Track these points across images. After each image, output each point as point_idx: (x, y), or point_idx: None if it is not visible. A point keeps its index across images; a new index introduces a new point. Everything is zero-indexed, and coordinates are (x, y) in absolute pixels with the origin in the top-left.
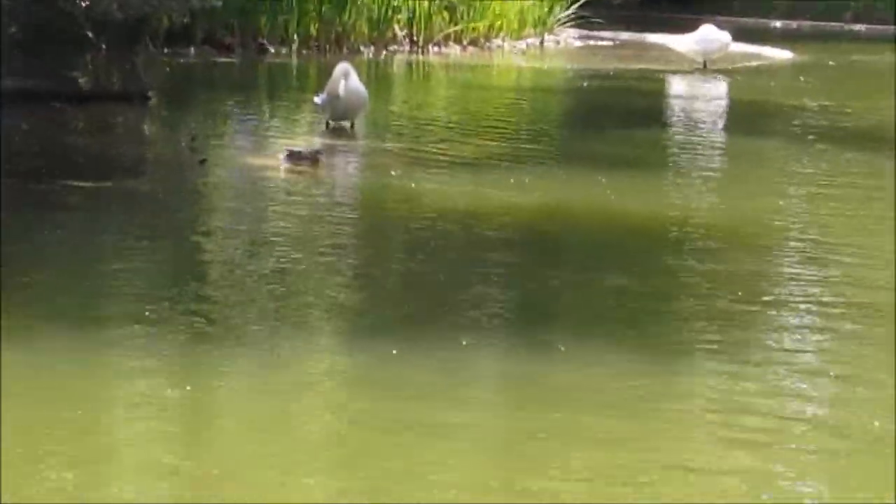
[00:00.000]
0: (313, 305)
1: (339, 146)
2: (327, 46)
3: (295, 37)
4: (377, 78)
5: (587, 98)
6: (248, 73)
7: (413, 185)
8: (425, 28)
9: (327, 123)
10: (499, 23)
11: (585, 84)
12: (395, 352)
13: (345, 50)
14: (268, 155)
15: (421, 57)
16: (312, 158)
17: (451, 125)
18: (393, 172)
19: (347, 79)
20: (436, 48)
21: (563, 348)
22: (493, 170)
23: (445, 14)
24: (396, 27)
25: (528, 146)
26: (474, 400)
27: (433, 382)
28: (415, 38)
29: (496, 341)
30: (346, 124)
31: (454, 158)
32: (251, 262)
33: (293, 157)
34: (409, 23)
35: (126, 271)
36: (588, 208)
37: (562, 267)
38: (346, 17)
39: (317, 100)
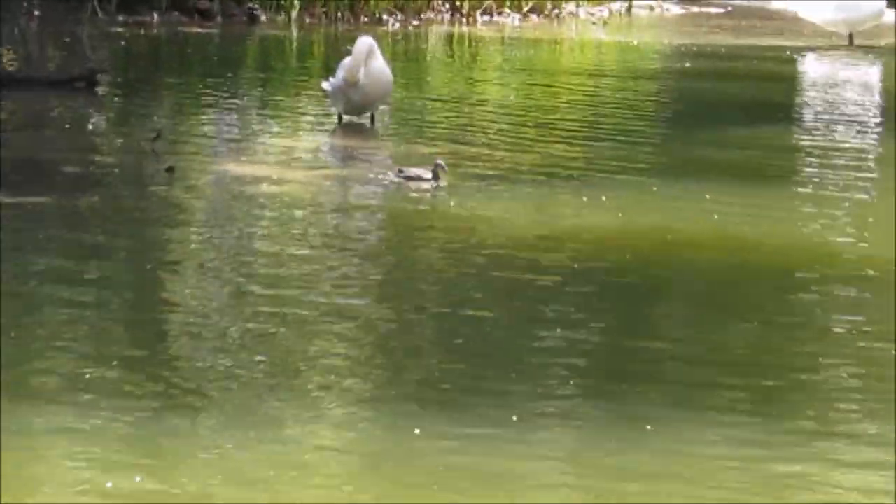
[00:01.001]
0: (313, 368)
1: (359, 150)
2: (338, 14)
3: (295, 1)
4: (406, 57)
5: (690, 85)
6: (232, 48)
7: (453, 203)
8: None
9: (339, 117)
10: None
11: (688, 65)
12: (417, 431)
13: (362, 19)
14: (257, 161)
15: (465, 28)
16: (435, 175)
17: (506, 123)
18: (428, 187)
19: (370, 59)
20: (485, 16)
21: (648, 427)
22: (562, 184)
23: None
24: None
25: (609, 152)
26: None
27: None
28: (457, 3)
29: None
30: (365, 118)
31: (511, 168)
32: (232, 311)
33: (411, 178)
34: None
35: (61, 326)
36: (691, 237)
37: (654, 319)
38: None
39: (326, 85)
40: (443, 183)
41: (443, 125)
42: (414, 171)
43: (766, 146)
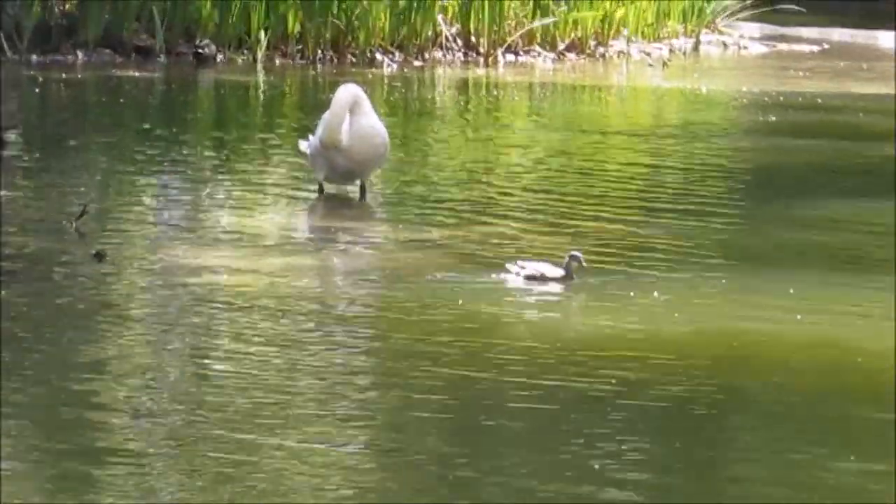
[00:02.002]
0: None
1: (346, 231)
2: (319, 53)
3: (262, 36)
4: (406, 110)
5: (773, 145)
6: (179, 97)
7: (467, 304)
8: (493, 23)
9: (320, 187)
10: (620, 14)
11: (771, 119)
12: None
13: (349, 59)
14: (211, 246)
15: (483, 71)
16: (569, 271)
17: (536, 196)
18: (432, 277)
19: (355, 113)
20: (511, 56)
21: None
22: (609, 278)
23: (526, 1)
24: (441, 22)
25: (668, 232)
26: None
27: None
28: (473, 41)
29: None
30: (353, 187)
31: (541, 252)
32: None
33: (534, 277)
34: (464, 14)
35: None
36: (769, 344)
37: (718, 452)
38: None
39: (304, 146)
40: (576, 281)
41: (455, 198)
42: (534, 266)
43: (868, 227)
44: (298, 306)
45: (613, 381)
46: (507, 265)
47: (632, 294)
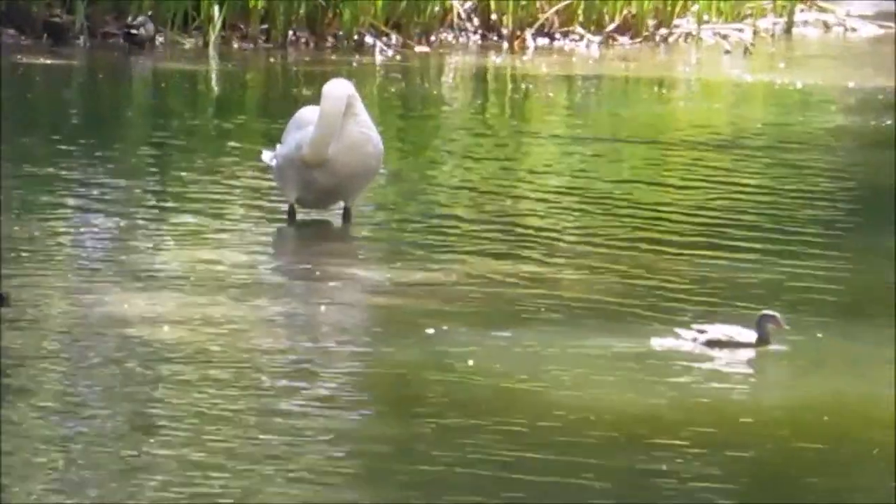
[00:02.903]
0: None
1: (324, 269)
2: (291, 34)
3: (215, 12)
4: (404, 110)
5: (889, 160)
6: (104, 90)
7: (490, 369)
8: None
9: (291, 211)
10: None
11: (886, 124)
12: None
13: (329, 42)
14: (144, 287)
15: (505, 59)
16: (762, 333)
17: (574, 226)
18: (431, 331)
19: (348, 117)
20: (543, 39)
21: None
22: (682, 331)
23: None
24: None
25: (747, 273)
26: None
27: None
28: (493, 20)
29: None
30: (334, 212)
31: (587, 308)
32: None
33: (718, 342)
34: None
35: None
36: (878, 414)
37: None
38: None
39: (268, 158)
40: (776, 347)
41: (467, 226)
42: (719, 329)
43: None
44: (261, 375)
45: None
46: (677, 330)
47: (717, 357)
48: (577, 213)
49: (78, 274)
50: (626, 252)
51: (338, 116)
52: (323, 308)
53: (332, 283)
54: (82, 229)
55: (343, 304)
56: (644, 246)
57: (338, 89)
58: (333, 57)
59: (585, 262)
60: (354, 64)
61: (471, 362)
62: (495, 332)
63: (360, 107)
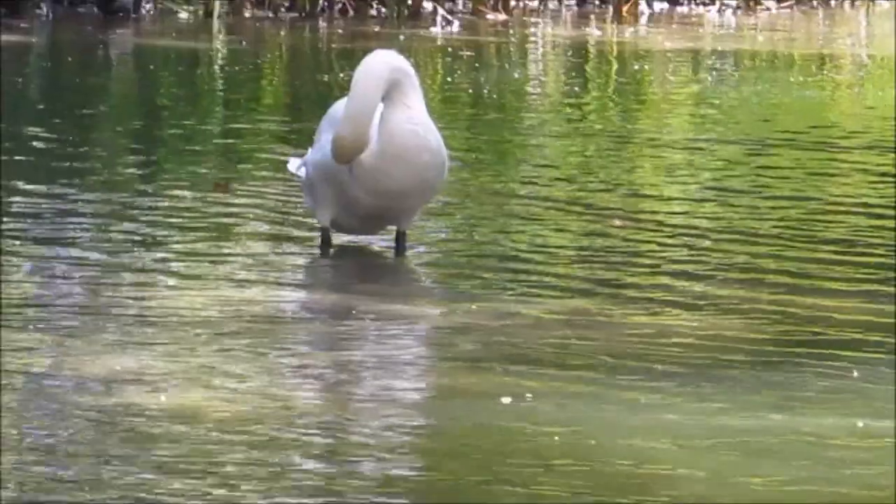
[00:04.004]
0: None
1: (367, 316)
2: (322, 2)
3: None
4: (474, 99)
5: None
6: (73, 74)
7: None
8: None
9: (325, 237)
10: None
11: None
12: None
13: (374, 10)
14: (139, 340)
15: (616, 30)
16: None
17: (714, 260)
18: (508, 400)
19: (392, 103)
20: (661, 3)
21: None
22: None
23: None
24: None
25: None
26: None
27: None
28: None
29: None
30: (383, 238)
31: (719, 357)
32: None
33: None
34: None
35: None
36: None
37: None
38: None
39: (295, 166)
40: None
41: (556, 255)
42: None
43: None
44: (291, 453)
45: None
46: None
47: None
48: (707, 240)
49: (58, 318)
50: (777, 286)
51: (376, 88)
52: (368, 366)
53: (378, 333)
54: (58, 260)
55: (394, 362)
56: (799, 281)
57: (381, 56)
58: (379, 29)
59: (719, 298)
60: (407, 38)
61: (557, 438)
62: (594, 397)
63: (413, 93)
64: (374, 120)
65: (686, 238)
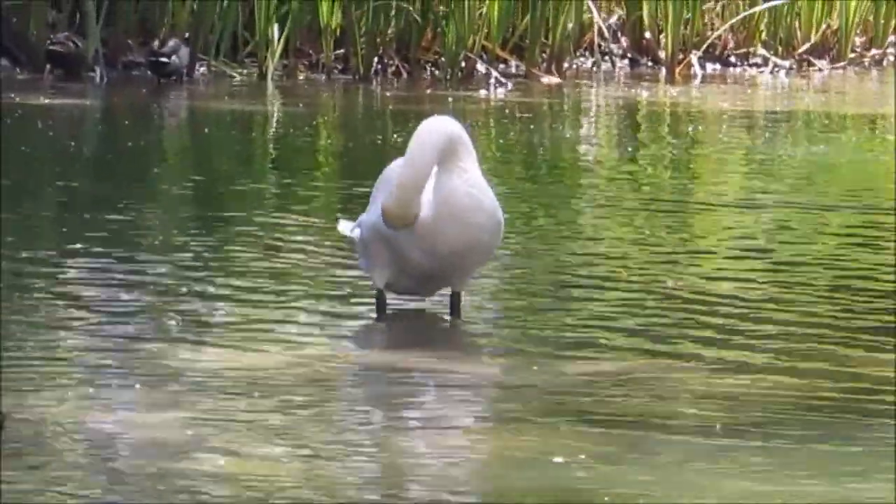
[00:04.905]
0: None
1: (425, 379)
2: (376, 62)
3: (274, 32)
4: (529, 161)
5: None
6: (122, 135)
7: None
8: (682, 9)
9: (380, 300)
10: None
11: None
12: None
13: (428, 72)
14: (195, 406)
15: (669, 90)
16: None
17: (785, 335)
18: (560, 459)
19: (447, 168)
20: (713, 64)
21: None
22: None
23: None
24: (592, 6)
25: None
26: None
27: None
28: (647, 38)
29: None
30: (439, 299)
31: (783, 417)
32: None
33: None
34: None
35: None
36: None
37: None
38: None
39: (347, 229)
40: None
41: (622, 314)
42: None
43: None
44: None
45: None
46: None
47: None
48: (758, 302)
49: (95, 384)
50: (828, 350)
51: (432, 155)
52: (427, 433)
53: (435, 399)
54: (99, 322)
55: (451, 428)
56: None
57: (436, 124)
58: (433, 91)
59: (769, 362)
60: (460, 100)
61: (606, 499)
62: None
63: (469, 157)
64: (426, 188)
65: (737, 301)
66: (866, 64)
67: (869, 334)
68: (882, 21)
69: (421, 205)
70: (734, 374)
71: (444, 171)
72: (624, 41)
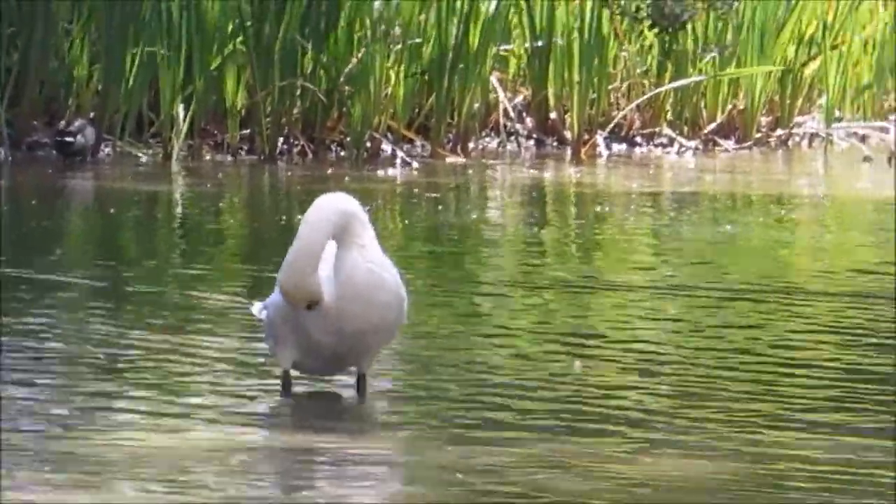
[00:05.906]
0: None
1: (329, 465)
2: (282, 142)
3: (179, 112)
4: (433, 243)
5: None
6: (28, 218)
7: None
8: (588, 88)
9: (285, 380)
10: (811, 70)
11: None
12: None
13: (333, 152)
14: (104, 491)
15: (575, 171)
16: None
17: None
18: None
19: (345, 245)
20: (619, 144)
21: None
22: None
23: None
24: (497, 85)
25: None
26: None
27: None
28: (552, 118)
29: None
30: (343, 379)
31: None
32: None
33: None
34: (535, 71)
35: None
36: None
37: None
38: (336, 64)
39: (258, 310)
40: None
41: (525, 399)
42: None
43: None
44: None
45: None
46: None
47: None
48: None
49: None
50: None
51: (323, 233)
52: None
53: (336, 478)
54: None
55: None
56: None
57: (328, 200)
58: (337, 171)
59: (685, 441)
60: (365, 180)
61: None
62: None
63: (366, 233)
64: (323, 265)
65: (649, 379)
66: (772, 144)
67: (786, 416)
68: (788, 101)
69: (321, 283)
70: (651, 454)
71: (342, 248)
72: (529, 121)
